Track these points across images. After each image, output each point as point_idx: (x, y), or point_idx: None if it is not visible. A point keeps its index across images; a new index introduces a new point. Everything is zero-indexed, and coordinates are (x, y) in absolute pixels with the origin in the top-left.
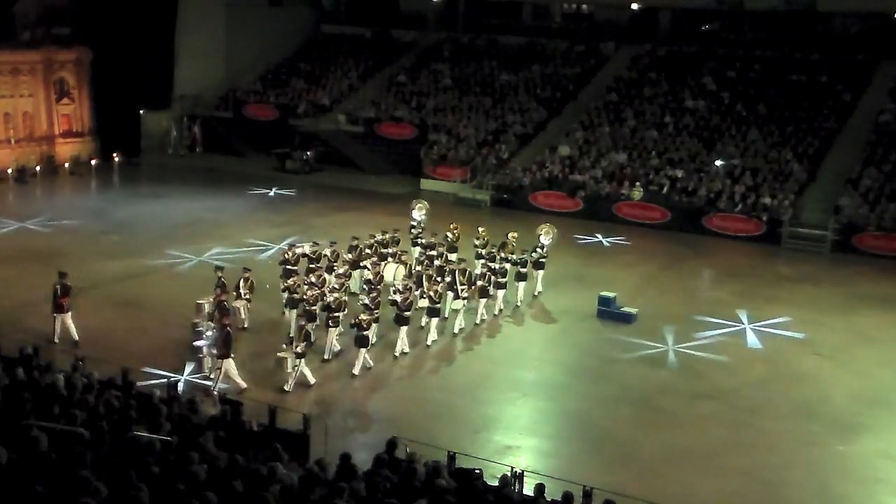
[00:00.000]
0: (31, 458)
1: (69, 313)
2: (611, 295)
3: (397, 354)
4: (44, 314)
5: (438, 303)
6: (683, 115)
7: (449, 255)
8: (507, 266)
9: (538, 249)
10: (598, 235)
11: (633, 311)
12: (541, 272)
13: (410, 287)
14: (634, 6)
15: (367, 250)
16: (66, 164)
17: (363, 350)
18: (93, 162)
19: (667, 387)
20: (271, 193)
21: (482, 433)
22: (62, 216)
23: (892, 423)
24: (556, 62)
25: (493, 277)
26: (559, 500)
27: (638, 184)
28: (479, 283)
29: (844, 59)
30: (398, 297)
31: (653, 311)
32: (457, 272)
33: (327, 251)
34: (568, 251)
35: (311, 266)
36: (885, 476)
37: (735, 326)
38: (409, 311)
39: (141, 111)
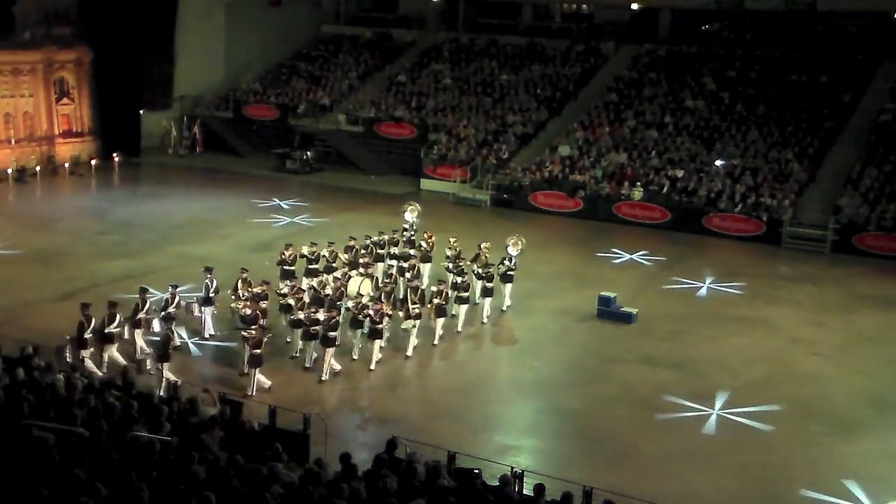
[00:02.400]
0: (32, 458)
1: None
2: (611, 295)
3: (372, 368)
4: (43, 313)
5: (380, 323)
6: (683, 115)
7: (423, 265)
8: (474, 279)
9: (506, 262)
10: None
11: (633, 311)
12: (509, 285)
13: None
14: (634, 6)
15: (363, 251)
16: (67, 165)
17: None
18: (93, 162)
19: (667, 387)
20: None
21: (482, 433)
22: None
23: (892, 422)
24: (556, 62)
25: (455, 293)
26: (559, 499)
27: (638, 184)
28: (436, 300)
29: (844, 58)
30: (370, 311)
31: (653, 312)
32: (409, 290)
33: (325, 252)
34: (567, 251)
35: (310, 267)
36: (886, 475)
37: (736, 326)
38: (380, 323)
39: (141, 111)
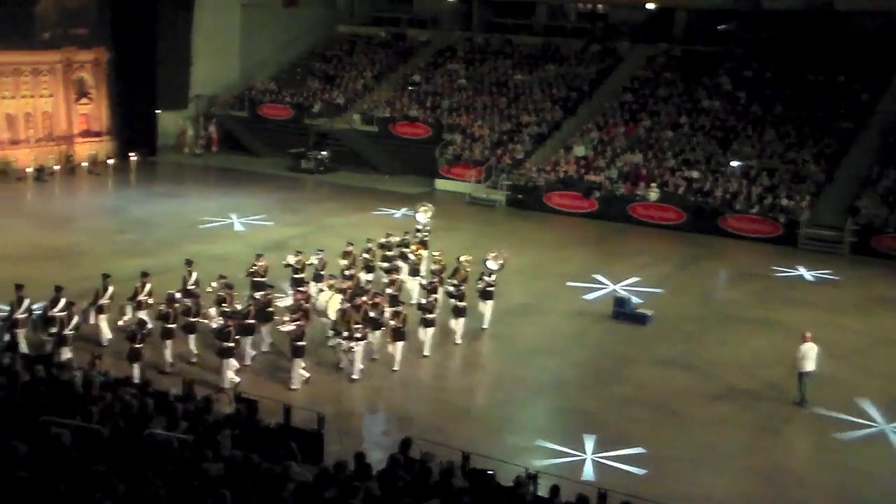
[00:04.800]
0: (50, 454)
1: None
2: (626, 296)
3: (356, 377)
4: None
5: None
6: (699, 115)
7: (413, 279)
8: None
9: (485, 277)
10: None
11: (649, 312)
12: (490, 303)
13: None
14: (650, 6)
15: (366, 255)
16: (85, 164)
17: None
18: (110, 161)
19: (683, 388)
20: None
21: (497, 433)
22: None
23: None
24: (571, 62)
25: (420, 313)
26: (574, 501)
27: (653, 184)
28: (392, 323)
29: (863, 58)
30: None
31: (668, 313)
32: (345, 310)
33: (314, 259)
34: (582, 252)
35: (296, 277)
36: None
37: (752, 328)
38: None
39: (157, 111)
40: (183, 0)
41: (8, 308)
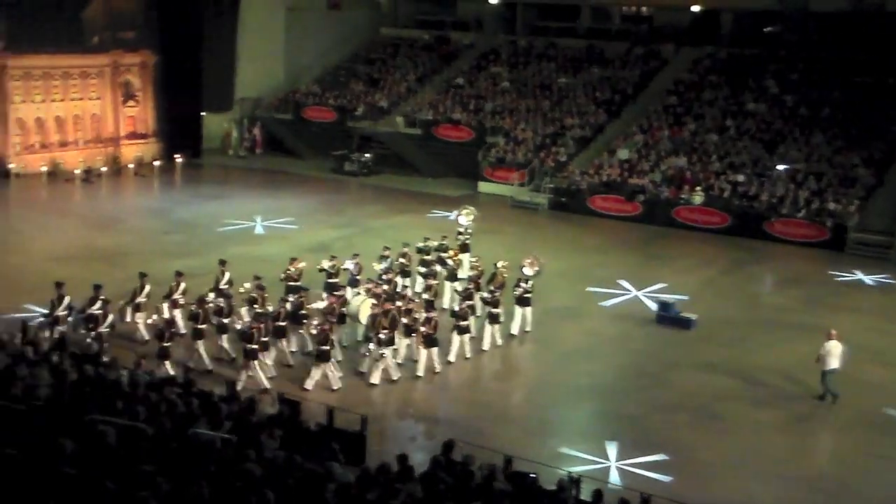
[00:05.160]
0: (96, 451)
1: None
2: (670, 300)
3: (375, 382)
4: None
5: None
6: (745, 118)
7: (450, 284)
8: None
9: (522, 284)
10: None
11: (693, 316)
12: (528, 309)
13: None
14: (695, 8)
15: (402, 259)
16: (131, 165)
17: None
18: (156, 163)
19: (727, 393)
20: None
21: (539, 437)
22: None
23: None
24: (615, 65)
25: (453, 320)
26: None
27: (698, 188)
28: (423, 329)
29: None
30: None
31: (712, 317)
32: (379, 315)
33: (350, 264)
34: (626, 255)
35: (330, 281)
36: None
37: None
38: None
39: (202, 113)
40: (228, 4)
41: (49, 307)
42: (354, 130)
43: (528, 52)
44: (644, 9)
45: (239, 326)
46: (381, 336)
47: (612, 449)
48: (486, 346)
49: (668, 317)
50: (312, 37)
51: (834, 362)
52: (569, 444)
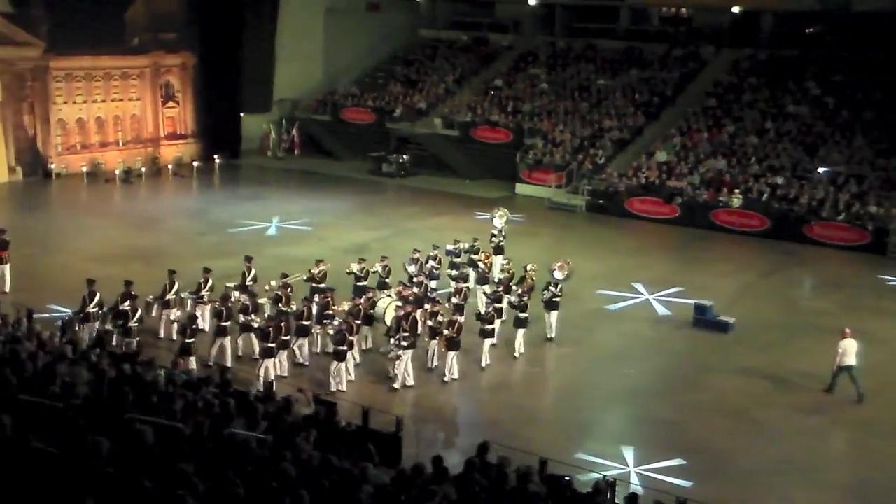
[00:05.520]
0: (134, 450)
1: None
2: (707, 303)
3: (396, 387)
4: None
5: (457, 336)
6: (785, 120)
7: (481, 287)
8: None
9: (551, 287)
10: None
11: (731, 320)
12: (555, 313)
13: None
14: (735, 9)
15: (432, 262)
16: (170, 166)
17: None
18: (195, 163)
19: (765, 398)
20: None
21: (575, 440)
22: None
23: None
24: (654, 67)
25: (479, 324)
26: None
27: (737, 190)
28: (446, 332)
29: None
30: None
31: (751, 321)
32: (399, 317)
33: (378, 267)
34: (668, 257)
35: (359, 285)
36: None
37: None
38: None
39: (241, 114)
40: (268, 6)
41: (80, 304)
42: (392, 132)
43: (567, 54)
44: (683, 10)
45: (255, 325)
46: (399, 338)
47: (643, 453)
48: (517, 351)
49: (705, 320)
50: (351, 38)
51: (850, 359)
52: (603, 447)
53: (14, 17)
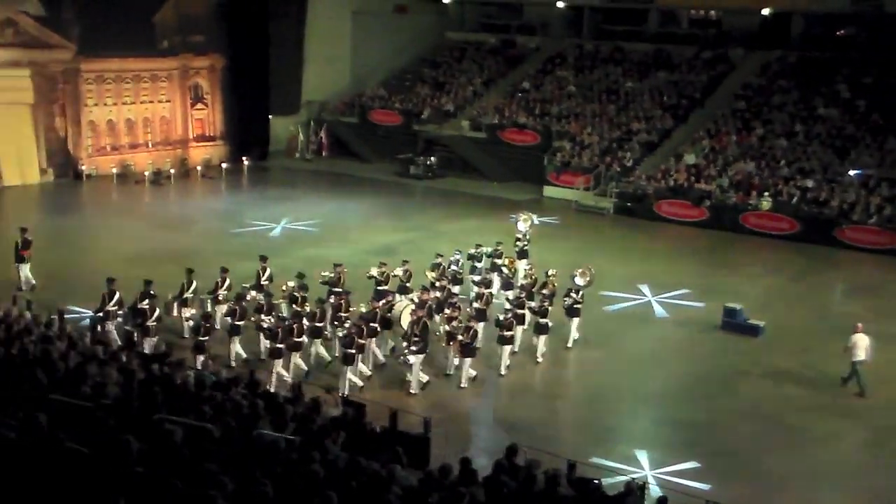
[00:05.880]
0: (164, 450)
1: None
2: (737, 306)
3: (413, 391)
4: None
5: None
6: (815, 123)
7: (505, 292)
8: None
9: (572, 294)
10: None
11: (760, 323)
12: (576, 320)
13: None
14: (765, 11)
15: (454, 267)
16: (199, 167)
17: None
18: (223, 165)
19: (795, 403)
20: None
21: (603, 443)
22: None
23: None
24: (682, 69)
25: (497, 330)
26: None
27: (766, 193)
28: (460, 337)
29: None
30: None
31: (780, 325)
32: (412, 322)
33: (399, 271)
34: (692, 261)
35: (379, 289)
36: None
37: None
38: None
39: (270, 116)
40: (296, 8)
41: (100, 302)
42: (420, 134)
43: (595, 56)
44: (713, 12)
45: (265, 325)
46: (409, 343)
47: (669, 457)
48: (538, 357)
49: (734, 323)
50: (379, 40)
51: (861, 354)
52: (632, 450)
53: (46, 21)
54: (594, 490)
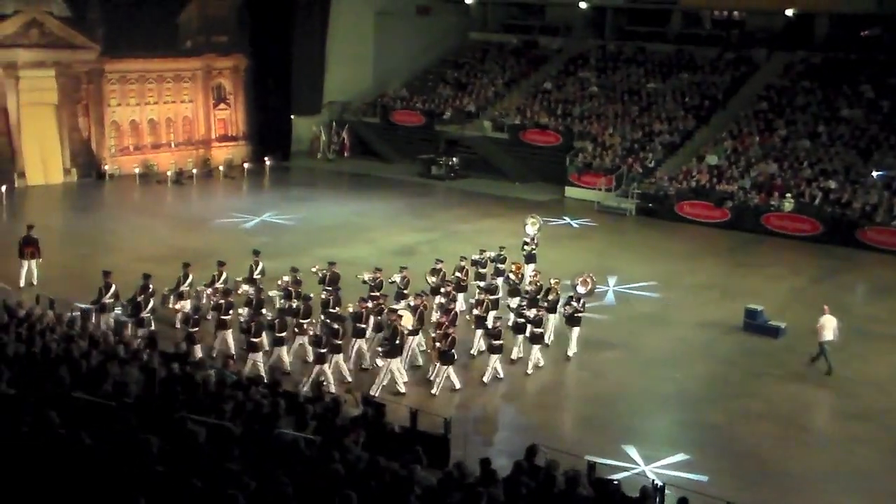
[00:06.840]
0: (185, 449)
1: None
2: (758, 308)
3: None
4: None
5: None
6: (839, 124)
7: (510, 299)
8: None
9: (573, 302)
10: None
11: (781, 325)
12: (576, 329)
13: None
14: (789, 12)
15: (458, 273)
16: (221, 167)
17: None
18: (245, 165)
19: (815, 405)
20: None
21: (623, 444)
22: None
23: None
24: (704, 70)
25: (487, 338)
26: None
27: (788, 195)
28: (438, 344)
29: None
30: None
31: (802, 326)
32: (387, 325)
33: (397, 277)
34: (714, 262)
35: (374, 294)
36: None
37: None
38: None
39: (292, 116)
40: (318, 9)
41: (96, 295)
42: (441, 134)
43: (617, 57)
44: (736, 13)
45: (242, 319)
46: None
47: (713, 456)
48: (529, 369)
49: (755, 325)
50: (401, 41)
51: (828, 334)
52: (652, 451)
53: (71, 21)
54: (614, 491)
